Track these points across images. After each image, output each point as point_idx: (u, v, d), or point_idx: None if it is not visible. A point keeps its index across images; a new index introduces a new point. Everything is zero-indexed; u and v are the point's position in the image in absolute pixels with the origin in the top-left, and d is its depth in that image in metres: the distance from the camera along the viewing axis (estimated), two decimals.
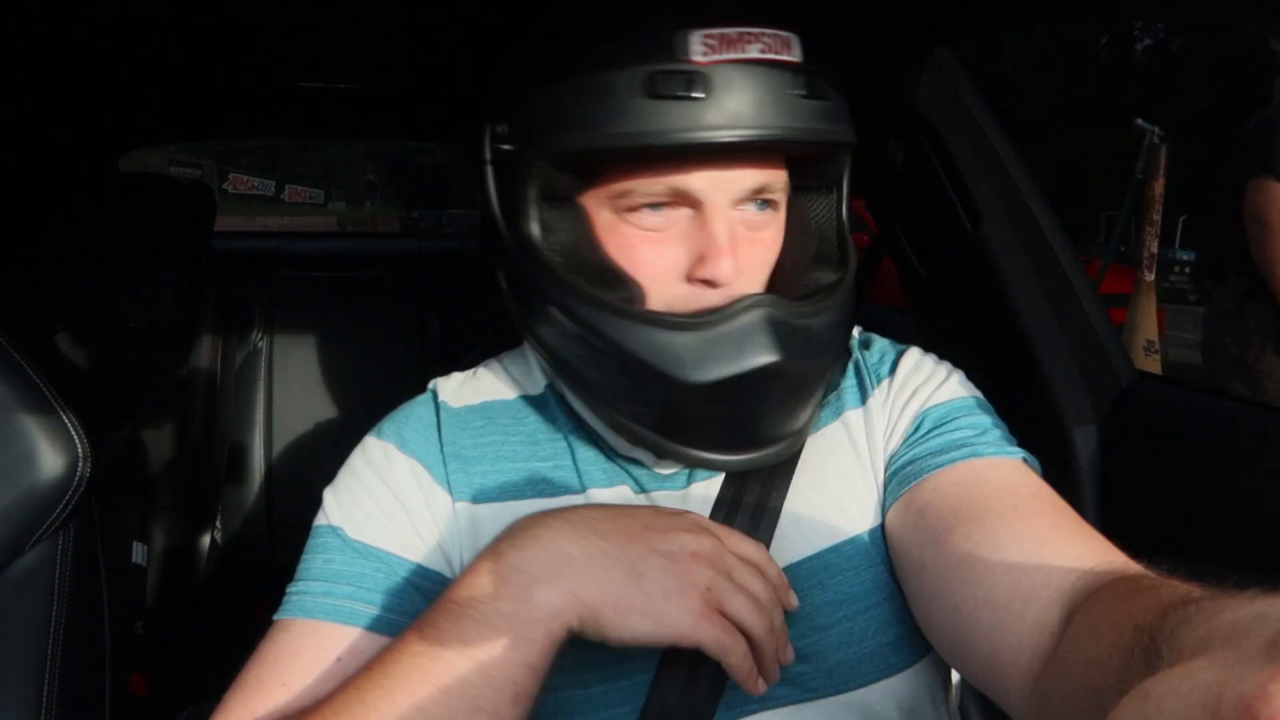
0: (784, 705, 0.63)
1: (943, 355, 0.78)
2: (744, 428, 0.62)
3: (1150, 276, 5.26)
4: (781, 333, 0.59)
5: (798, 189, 0.68)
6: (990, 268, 1.01)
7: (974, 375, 0.75)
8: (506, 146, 0.63)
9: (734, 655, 0.54)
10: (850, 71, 0.66)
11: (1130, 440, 0.95)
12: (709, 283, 0.60)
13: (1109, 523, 0.96)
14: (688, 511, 0.60)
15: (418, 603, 0.63)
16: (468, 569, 0.55)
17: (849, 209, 0.70)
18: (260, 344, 1.96)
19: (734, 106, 0.56)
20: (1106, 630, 0.43)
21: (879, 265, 1.25)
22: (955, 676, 0.71)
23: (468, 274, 2.00)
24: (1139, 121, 5.25)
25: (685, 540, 0.55)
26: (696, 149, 0.57)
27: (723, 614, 0.54)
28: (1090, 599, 0.50)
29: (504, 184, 0.65)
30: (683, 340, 0.58)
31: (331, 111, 1.76)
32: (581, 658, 0.63)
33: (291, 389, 1.96)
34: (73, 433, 0.81)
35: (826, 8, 0.73)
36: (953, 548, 0.59)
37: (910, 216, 1.16)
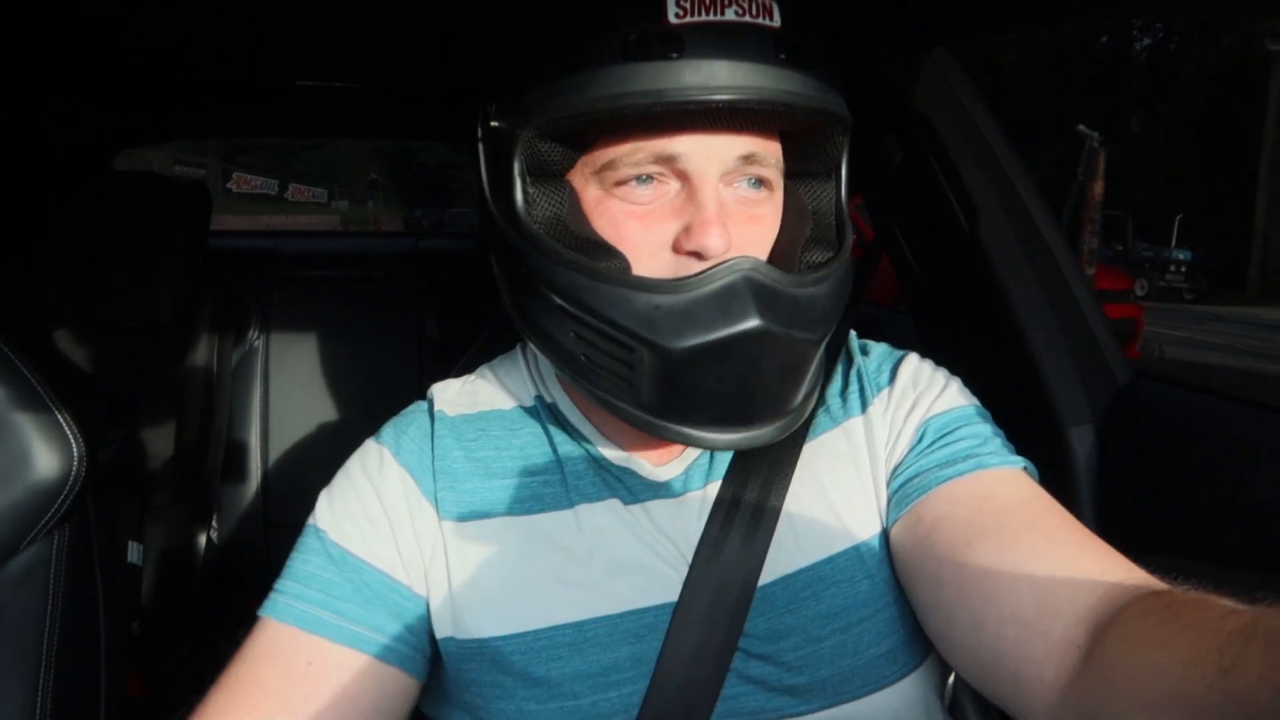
0: (778, 719, 0.63)
1: (940, 355, 0.77)
2: (736, 402, 0.59)
3: (1091, 271, 5.60)
4: (767, 297, 0.56)
5: (795, 175, 0.67)
6: (987, 268, 1.01)
7: (971, 375, 0.75)
8: (495, 124, 0.62)
9: None
10: (849, 71, 0.66)
11: (1126, 439, 0.95)
12: (697, 255, 0.58)
13: (1105, 522, 0.96)
14: None
15: (381, 617, 0.64)
16: None
17: (847, 200, 0.68)
18: (257, 343, 1.96)
19: (708, 67, 0.55)
20: (1172, 639, 0.42)
21: (877, 266, 1.25)
22: (949, 679, 0.71)
23: (466, 273, 1.99)
24: (1081, 127, 5.45)
25: None
26: (672, 110, 0.56)
27: None
28: (1126, 614, 0.49)
29: (494, 162, 0.64)
30: (664, 303, 0.56)
31: (334, 110, 1.76)
32: (571, 669, 0.62)
33: (289, 388, 1.96)
34: (68, 432, 0.81)
35: (825, 7, 0.73)
36: (973, 563, 0.58)
37: (908, 217, 1.16)
